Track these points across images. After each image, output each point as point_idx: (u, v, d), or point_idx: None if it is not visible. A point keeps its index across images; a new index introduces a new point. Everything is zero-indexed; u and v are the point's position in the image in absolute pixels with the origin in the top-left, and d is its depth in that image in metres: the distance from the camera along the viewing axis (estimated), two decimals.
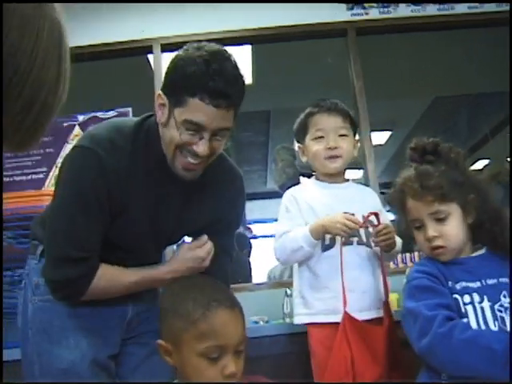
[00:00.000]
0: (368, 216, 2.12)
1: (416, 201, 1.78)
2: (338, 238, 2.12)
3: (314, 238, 2.11)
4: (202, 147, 1.65)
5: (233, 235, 2.08)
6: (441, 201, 1.75)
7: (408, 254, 3.62)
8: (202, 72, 1.60)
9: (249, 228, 8.04)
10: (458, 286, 1.71)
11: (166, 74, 1.70)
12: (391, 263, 3.40)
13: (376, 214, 2.14)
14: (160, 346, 1.51)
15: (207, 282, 1.58)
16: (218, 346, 1.41)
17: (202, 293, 1.49)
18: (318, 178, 2.32)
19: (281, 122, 6.53)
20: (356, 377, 1.98)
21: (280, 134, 6.47)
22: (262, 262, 5.46)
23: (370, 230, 2.16)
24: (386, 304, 2.15)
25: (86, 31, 4.00)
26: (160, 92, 1.70)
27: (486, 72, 5.20)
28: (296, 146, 2.32)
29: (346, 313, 2.03)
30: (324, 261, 2.16)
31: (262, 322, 3.22)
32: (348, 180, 2.35)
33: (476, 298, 1.69)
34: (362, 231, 2.18)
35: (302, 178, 3.81)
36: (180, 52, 1.69)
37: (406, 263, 3.62)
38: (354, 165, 4.54)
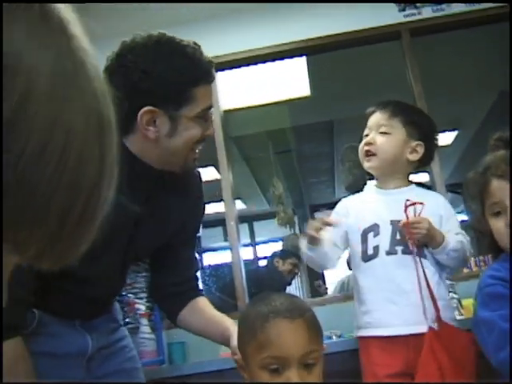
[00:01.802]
0: (408, 205, 1.99)
1: (502, 180, 1.65)
2: (381, 247, 2.05)
3: (308, 242, 2.01)
4: (212, 128, 1.64)
5: (195, 245, 1.99)
6: None
7: (481, 257, 3.49)
8: (189, 58, 1.55)
9: None
10: None
11: (144, 88, 1.52)
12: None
13: (415, 204, 2.00)
14: (236, 362, 1.52)
15: (278, 296, 1.56)
16: (276, 356, 1.39)
17: (266, 305, 1.48)
18: (377, 184, 2.24)
19: (344, 131, 6.47)
20: None
21: (344, 143, 6.41)
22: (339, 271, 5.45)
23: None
24: (437, 311, 2.00)
25: None
26: (146, 108, 1.53)
27: None
28: None
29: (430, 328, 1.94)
30: (366, 271, 2.09)
31: (334, 337, 3.18)
32: (412, 184, 2.22)
33: None
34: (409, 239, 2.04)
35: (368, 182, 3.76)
36: (136, 63, 1.52)
37: (479, 266, 3.49)
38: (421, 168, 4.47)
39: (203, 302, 1.93)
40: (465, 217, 8.95)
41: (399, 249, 2.04)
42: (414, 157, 2.15)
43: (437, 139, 2.23)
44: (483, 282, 1.69)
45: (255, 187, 8.39)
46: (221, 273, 7.14)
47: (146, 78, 1.50)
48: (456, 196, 9.83)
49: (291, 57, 4.31)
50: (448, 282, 3.45)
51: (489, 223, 1.72)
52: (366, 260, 2.07)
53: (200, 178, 1.91)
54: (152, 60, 1.52)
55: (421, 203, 2.01)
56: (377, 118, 2.14)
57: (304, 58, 4.48)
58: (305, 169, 7.97)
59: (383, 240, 2.04)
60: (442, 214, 2.12)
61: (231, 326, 1.75)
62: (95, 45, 0.50)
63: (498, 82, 5.75)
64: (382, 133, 2.11)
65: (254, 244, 10.24)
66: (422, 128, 2.17)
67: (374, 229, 2.06)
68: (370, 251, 2.06)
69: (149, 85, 1.51)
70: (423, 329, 1.96)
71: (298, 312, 1.46)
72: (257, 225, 9.91)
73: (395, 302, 1.99)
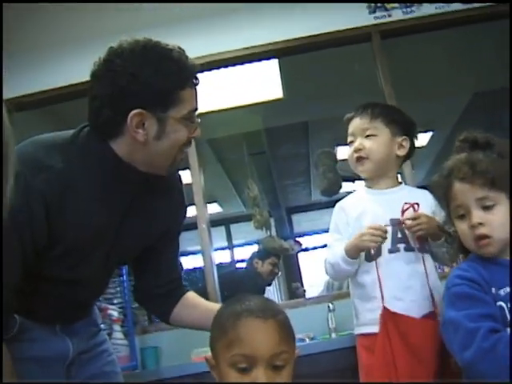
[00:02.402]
0: (405, 209, 2.07)
1: (464, 184, 1.68)
2: (384, 246, 2.08)
3: (349, 257, 2.08)
4: (198, 130, 1.69)
5: (179, 246, 2.02)
6: (490, 187, 1.64)
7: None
8: (175, 62, 1.59)
9: (298, 242, 8.03)
10: (502, 292, 1.61)
11: (133, 91, 1.55)
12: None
13: (413, 206, 2.08)
14: (207, 361, 1.50)
15: (252, 297, 1.55)
16: (244, 354, 1.38)
17: (240, 304, 1.48)
18: (367, 185, 2.28)
19: (319, 132, 6.50)
20: (399, 377, 1.94)
21: (319, 144, 6.43)
22: (318, 273, 5.47)
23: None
24: (434, 305, 2.08)
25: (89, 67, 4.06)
26: (136, 111, 1.55)
27: None
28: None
29: (384, 308, 2.01)
30: (370, 270, 2.12)
31: (307, 339, 3.19)
32: (401, 183, 2.29)
33: None
34: (410, 236, 2.11)
35: (345, 184, 3.78)
36: (125, 68, 1.55)
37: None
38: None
39: (193, 296, 1.97)
40: None
41: (401, 246, 2.11)
42: (402, 152, 2.23)
43: (416, 131, 2.29)
44: (450, 281, 1.70)
45: (231, 189, 8.38)
46: (193, 277, 7.14)
47: (134, 81, 1.53)
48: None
49: (264, 59, 4.31)
50: None
51: (454, 225, 1.74)
52: (370, 260, 2.10)
53: (181, 181, 1.94)
54: (139, 64, 1.55)
55: (417, 204, 2.07)
56: (359, 123, 2.20)
57: (276, 60, 4.48)
58: (280, 170, 7.98)
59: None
60: (434, 210, 2.18)
61: None
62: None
63: (471, 83, 5.81)
64: (367, 136, 2.16)
65: (231, 247, 10.24)
66: (402, 124, 2.25)
67: None
68: (373, 250, 2.08)
69: (137, 88, 1.54)
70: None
71: (271, 313, 1.46)
72: (233, 227, 9.90)
73: (401, 298, 2.05)
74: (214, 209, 8.40)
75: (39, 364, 1.64)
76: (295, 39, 4.09)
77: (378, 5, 4.09)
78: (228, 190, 8.30)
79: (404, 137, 2.21)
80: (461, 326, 1.58)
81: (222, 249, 9.93)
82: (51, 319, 1.71)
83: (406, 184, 2.47)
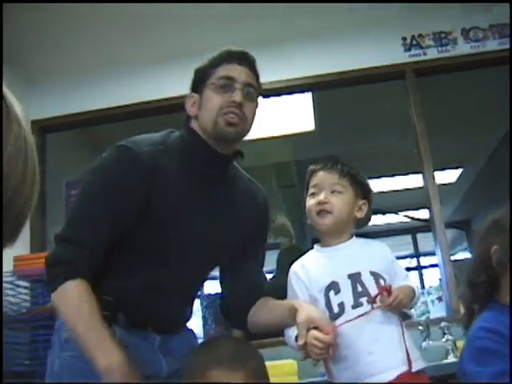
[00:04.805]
0: (376, 296, 2.01)
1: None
2: (346, 302, 2.03)
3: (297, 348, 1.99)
4: (237, 96, 1.84)
5: (264, 257, 2.16)
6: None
7: None
8: (219, 52, 1.91)
9: None
10: None
11: (191, 84, 1.94)
12: None
13: (387, 290, 2.01)
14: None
15: (224, 342, 1.55)
16: None
17: (210, 351, 1.51)
18: (320, 244, 2.24)
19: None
20: None
21: None
22: None
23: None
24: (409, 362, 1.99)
25: (145, 88, 4.20)
26: (188, 95, 1.92)
27: None
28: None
29: None
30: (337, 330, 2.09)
31: None
32: (352, 236, 2.23)
33: None
34: (370, 288, 2.04)
35: (375, 216, 3.76)
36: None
37: None
38: (422, 204, 4.47)
39: (266, 298, 2.05)
40: (468, 254, 8.99)
41: (363, 300, 2.03)
42: (360, 214, 2.21)
43: (372, 198, 2.29)
44: (474, 333, 1.70)
45: None
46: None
47: (194, 74, 1.94)
48: (460, 233, 9.88)
49: (298, 92, 4.37)
50: (443, 323, 3.47)
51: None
52: (334, 318, 2.06)
53: (265, 194, 2.15)
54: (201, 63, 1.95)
55: (387, 288, 2.02)
56: (327, 178, 2.19)
57: (310, 94, 4.53)
58: None
59: (346, 295, 2.04)
60: (391, 259, 2.18)
61: (295, 302, 1.92)
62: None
63: (503, 123, 5.81)
64: (333, 192, 2.17)
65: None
66: (364, 187, 2.23)
67: (334, 286, 2.06)
68: (336, 309, 2.04)
69: (193, 79, 1.94)
70: (403, 370, 1.97)
71: (241, 362, 1.47)
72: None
73: (371, 352, 2.01)
74: None
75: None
76: (330, 74, 4.15)
77: (414, 42, 4.15)
78: None
79: (364, 200, 2.20)
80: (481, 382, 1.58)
81: None
82: (147, 318, 1.81)
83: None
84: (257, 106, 1.96)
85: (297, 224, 8.56)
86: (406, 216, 9.01)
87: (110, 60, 4.24)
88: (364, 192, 2.22)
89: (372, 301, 2.01)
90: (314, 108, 4.75)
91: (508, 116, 5.51)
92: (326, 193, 2.15)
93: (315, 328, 1.82)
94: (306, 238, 8.87)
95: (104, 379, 1.53)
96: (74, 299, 1.64)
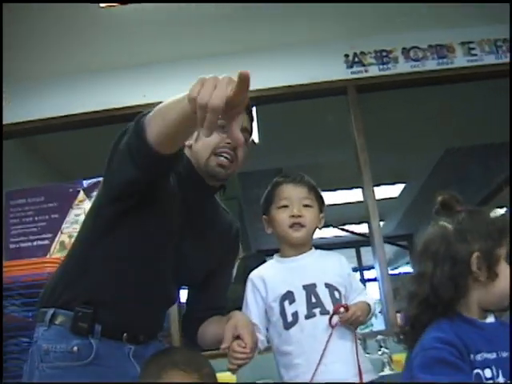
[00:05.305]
0: (335, 312, 2.06)
1: None
2: (299, 312, 2.08)
3: None
4: (234, 137, 1.81)
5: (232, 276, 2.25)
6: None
7: None
8: None
9: None
10: (479, 358, 1.57)
11: None
12: None
13: (345, 307, 2.06)
14: None
15: (180, 349, 1.57)
16: None
17: (166, 355, 1.52)
18: (279, 253, 2.27)
19: None
20: None
21: None
22: None
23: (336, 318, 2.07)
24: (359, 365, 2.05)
25: (89, 98, 4.13)
26: None
27: (494, 122, 5.22)
28: (263, 217, 2.29)
29: None
30: (290, 338, 2.09)
31: None
32: (311, 248, 2.27)
33: (494, 372, 1.56)
34: (324, 300, 2.09)
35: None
36: None
37: None
38: (364, 219, 4.53)
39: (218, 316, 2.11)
40: (410, 269, 9.13)
41: (317, 311, 2.08)
42: (320, 225, 2.28)
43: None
44: (428, 343, 1.63)
45: None
46: None
47: None
48: (400, 248, 10.05)
49: None
50: (380, 337, 3.52)
51: None
52: (288, 327, 2.10)
53: (239, 229, 2.20)
54: None
55: (344, 306, 2.07)
56: (298, 191, 2.22)
57: (254, 108, 4.55)
58: (254, 213, 8.01)
59: (300, 305, 2.08)
60: (347, 272, 2.22)
61: (232, 312, 1.97)
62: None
63: (444, 139, 5.95)
64: (305, 205, 2.20)
65: None
66: (323, 201, 2.31)
67: (289, 296, 2.10)
68: (290, 318, 2.08)
69: None
70: (354, 381, 2.02)
71: (196, 366, 1.49)
72: None
73: (323, 362, 2.02)
74: None
75: None
76: (274, 88, 4.20)
77: (356, 60, 4.22)
78: None
79: (322, 214, 2.28)
80: None
81: None
82: (124, 326, 1.81)
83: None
84: (248, 148, 2.00)
85: (242, 236, 8.61)
86: (345, 230, 9.12)
87: (48, 70, 4.20)
88: (322, 206, 2.29)
89: (330, 319, 2.05)
90: (257, 121, 4.76)
91: (450, 135, 5.68)
92: (299, 206, 2.19)
93: (238, 338, 1.87)
94: (250, 249, 8.91)
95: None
96: (158, 111, 1.51)
